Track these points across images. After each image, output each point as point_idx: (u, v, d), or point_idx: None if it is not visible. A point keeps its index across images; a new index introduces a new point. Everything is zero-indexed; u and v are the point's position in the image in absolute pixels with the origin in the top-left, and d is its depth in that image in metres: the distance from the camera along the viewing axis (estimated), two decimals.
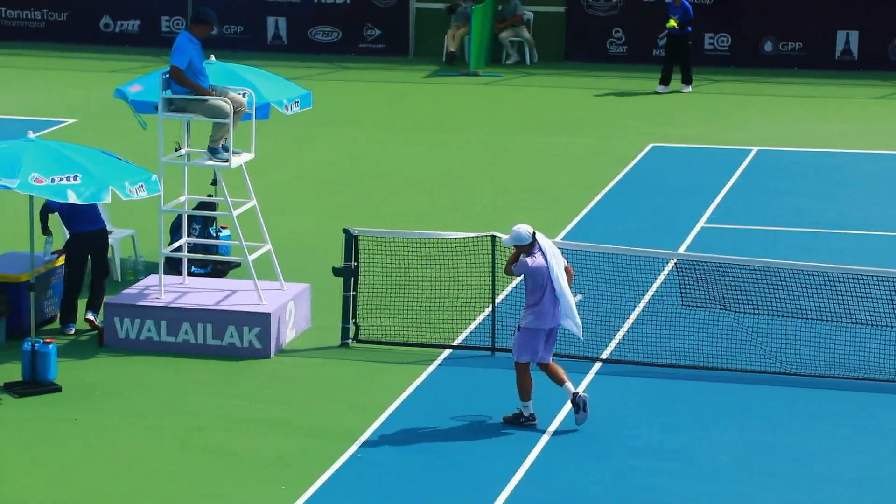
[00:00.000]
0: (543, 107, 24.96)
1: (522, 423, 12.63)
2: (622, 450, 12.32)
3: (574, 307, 12.57)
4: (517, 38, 27.96)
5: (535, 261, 12.44)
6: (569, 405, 12.65)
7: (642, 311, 15.15)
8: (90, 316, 14.56)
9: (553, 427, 12.68)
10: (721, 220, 18.79)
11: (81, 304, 14.67)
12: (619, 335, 14.63)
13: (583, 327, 12.83)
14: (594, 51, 27.85)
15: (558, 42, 28.09)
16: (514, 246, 12.51)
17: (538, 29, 28.01)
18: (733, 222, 18.70)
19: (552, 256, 12.49)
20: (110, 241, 15.92)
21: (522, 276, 12.57)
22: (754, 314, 14.24)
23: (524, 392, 12.60)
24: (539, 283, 12.43)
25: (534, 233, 12.49)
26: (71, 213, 14.30)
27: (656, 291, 15.58)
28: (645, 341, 14.35)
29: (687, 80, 25.52)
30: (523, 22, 27.90)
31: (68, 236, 14.60)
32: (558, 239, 17.42)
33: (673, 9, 25.09)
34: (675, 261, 14.85)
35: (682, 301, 14.35)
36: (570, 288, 12.67)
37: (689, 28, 25.09)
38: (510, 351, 14.19)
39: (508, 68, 27.70)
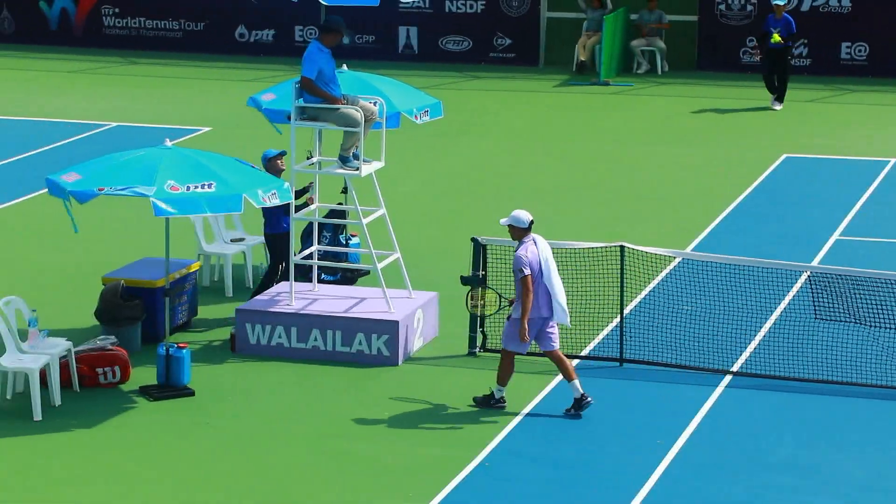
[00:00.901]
0: (674, 116, 24.73)
1: (493, 404, 13.01)
2: (754, 465, 12.13)
3: (563, 298, 12.78)
4: (649, 47, 27.75)
5: (528, 250, 12.80)
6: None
7: (774, 323, 14.92)
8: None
9: (682, 441, 12.54)
10: (856, 232, 18.43)
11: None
12: (751, 348, 14.42)
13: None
14: (727, 60, 27.52)
15: (690, 51, 27.82)
16: (508, 227, 12.95)
17: (670, 38, 27.77)
18: (869, 235, 18.32)
19: (544, 250, 12.86)
20: (241, 248, 16.16)
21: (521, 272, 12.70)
22: (890, 328, 13.93)
23: (503, 378, 12.98)
24: (534, 274, 12.69)
25: (531, 222, 12.89)
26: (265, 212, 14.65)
27: (789, 304, 15.33)
28: (777, 354, 14.12)
29: (780, 98, 24.77)
30: (659, 32, 27.70)
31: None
32: (688, 249, 17.24)
33: (774, 22, 24.34)
34: (809, 273, 14.59)
35: (816, 314, 14.10)
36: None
37: (791, 43, 24.42)
38: (640, 362, 14.11)
39: (639, 77, 27.51)
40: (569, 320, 12.98)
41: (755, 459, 12.23)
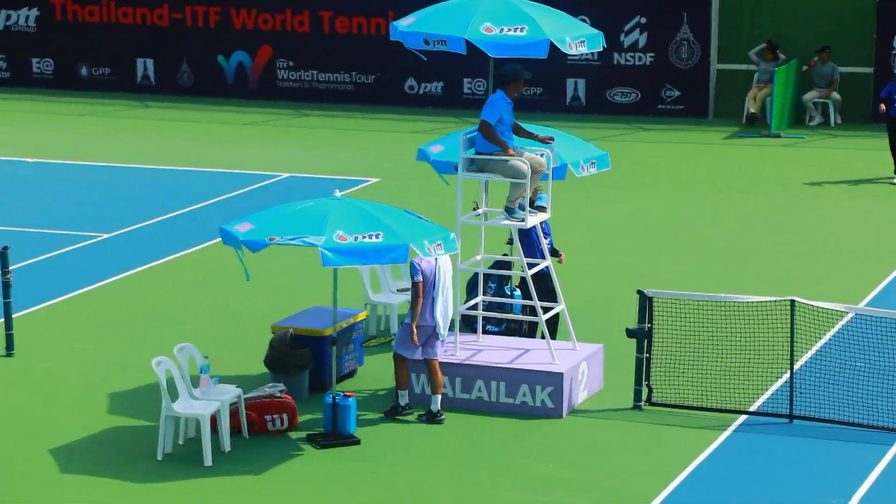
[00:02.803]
0: (848, 170, 24.25)
1: (401, 412, 13.81)
2: None
3: (449, 313, 13.76)
4: (822, 99, 27.29)
5: (423, 260, 13.62)
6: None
7: None
8: None
9: (855, 501, 12.20)
10: None
11: None
12: None
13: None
14: None
15: (864, 102, 27.28)
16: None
17: (844, 89, 27.29)
18: None
19: (444, 266, 13.76)
20: (407, 297, 16.28)
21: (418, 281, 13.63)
22: None
23: (401, 382, 13.83)
24: (426, 284, 13.63)
25: None
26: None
27: None
28: None
29: None
30: (831, 84, 27.24)
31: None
32: (862, 304, 16.85)
33: None
34: None
35: None
36: None
37: None
38: (810, 419, 13.81)
39: (812, 130, 27.07)
40: (446, 333, 13.81)
41: None
